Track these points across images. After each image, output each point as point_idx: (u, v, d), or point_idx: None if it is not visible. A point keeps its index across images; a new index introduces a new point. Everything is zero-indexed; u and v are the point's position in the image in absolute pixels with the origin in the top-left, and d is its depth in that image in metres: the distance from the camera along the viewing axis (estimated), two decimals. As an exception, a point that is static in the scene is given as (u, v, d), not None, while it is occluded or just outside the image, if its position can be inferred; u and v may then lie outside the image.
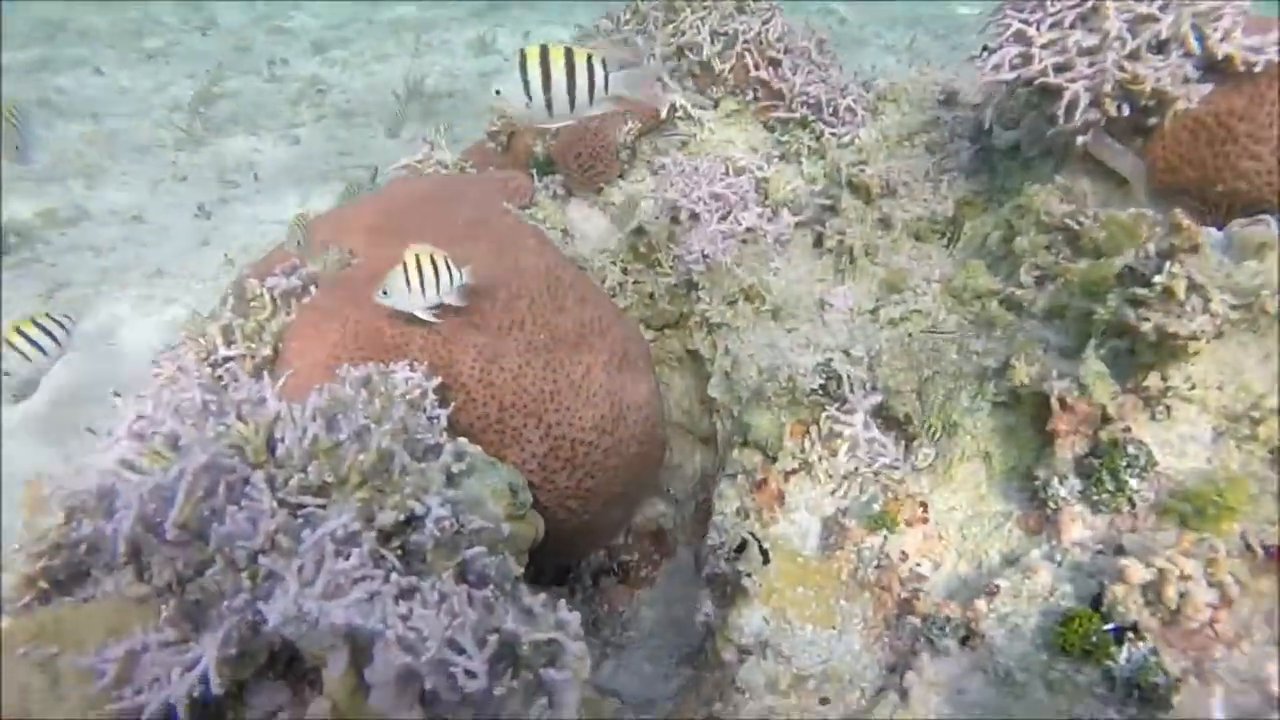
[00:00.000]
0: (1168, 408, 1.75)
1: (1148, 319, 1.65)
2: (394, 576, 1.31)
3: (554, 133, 3.11)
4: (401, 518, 1.43)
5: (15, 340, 2.16)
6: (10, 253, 5.69)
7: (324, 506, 1.43)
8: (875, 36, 10.62)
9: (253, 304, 2.19)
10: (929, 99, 3.05)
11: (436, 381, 1.90)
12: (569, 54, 1.76)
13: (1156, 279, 1.62)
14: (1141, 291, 1.65)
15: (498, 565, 1.47)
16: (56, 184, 6.72)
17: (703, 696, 1.96)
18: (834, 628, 1.93)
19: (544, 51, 1.74)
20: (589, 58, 1.77)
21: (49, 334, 2.21)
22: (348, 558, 1.30)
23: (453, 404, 1.89)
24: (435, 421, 1.79)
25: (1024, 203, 2.22)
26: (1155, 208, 2.18)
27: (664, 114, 3.13)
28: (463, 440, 1.79)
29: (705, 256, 2.55)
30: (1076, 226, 2.06)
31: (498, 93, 1.77)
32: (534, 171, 3.12)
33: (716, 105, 3.22)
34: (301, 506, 1.44)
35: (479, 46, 10.13)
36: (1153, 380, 1.75)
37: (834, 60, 3.14)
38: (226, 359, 2.07)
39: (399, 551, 1.43)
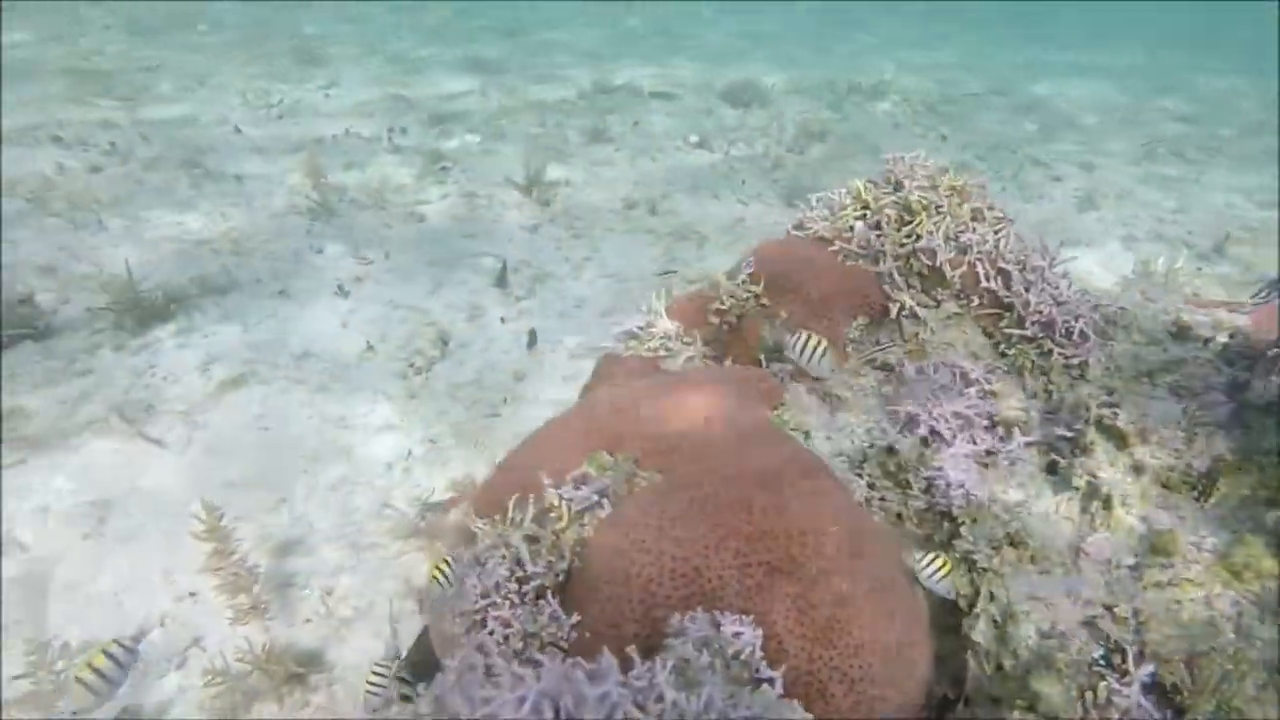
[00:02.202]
0: None
1: None
2: None
3: (785, 318, 3.20)
4: None
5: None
6: (172, 319, 5.90)
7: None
8: (978, 160, 10.79)
9: (550, 514, 2.27)
10: (1159, 329, 3.10)
11: (760, 636, 1.95)
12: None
13: None
14: None
15: None
16: (205, 247, 6.99)
17: None
18: None
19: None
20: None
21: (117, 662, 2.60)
22: None
23: (782, 666, 1.94)
24: (771, 686, 1.83)
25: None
26: None
27: (893, 313, 3.22)
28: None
29: (965, 490, 2.60)
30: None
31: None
32: (761, 356, 3.21)
33: (938, 306, 3.31)
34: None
35: (592, 134, 10.45)
36: None
37: (1064, 276, 3.21)
38: (534, 575, 2.13)
39: None
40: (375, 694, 2.78)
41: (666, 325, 3.38)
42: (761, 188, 9.32)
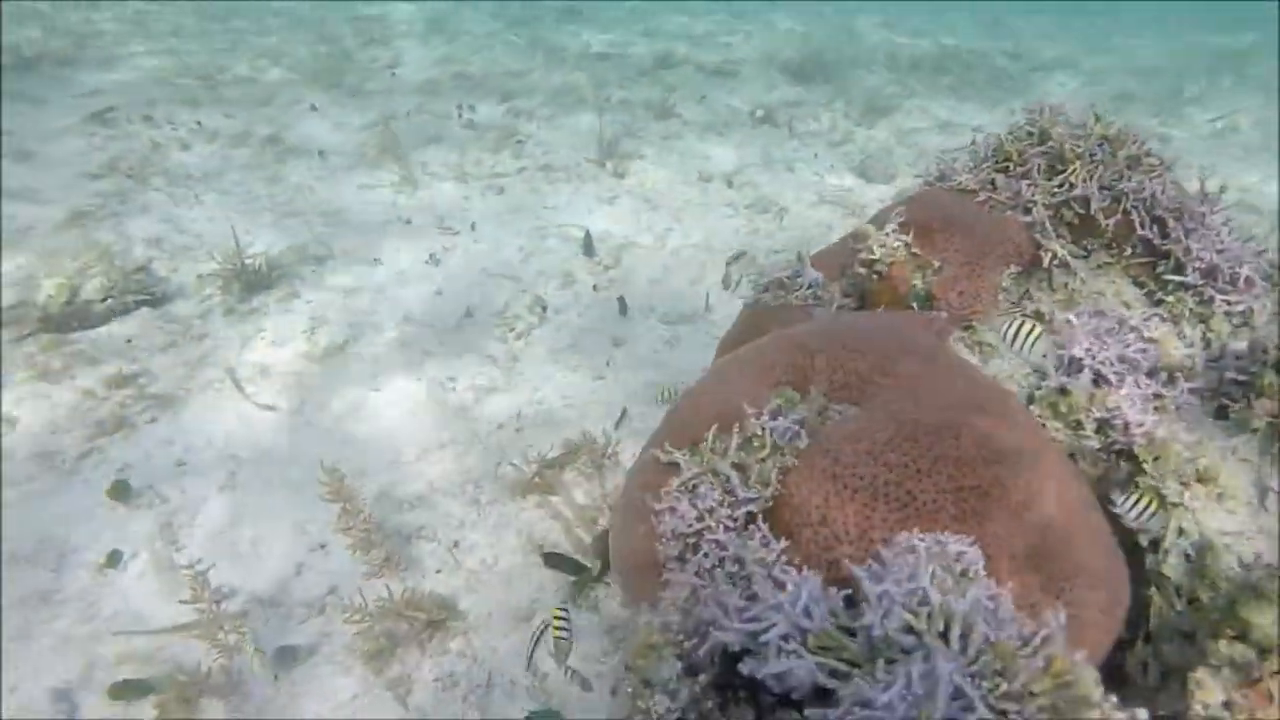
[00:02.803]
0: None
1: None
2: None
3: (937, 268, 3.21)
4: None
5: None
6: (275, 286, 6.05)
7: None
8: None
9: (754, 443, 2.31)
10: (1328, 275, 3.06)
11: (981, 555, 1.98)
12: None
13: None
14: None
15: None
16: (298, 219, 7.14)
17: None
18: None
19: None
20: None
21: None
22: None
23: (1008, 583, 1.97)
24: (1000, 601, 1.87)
25: None
26: None
27: (1046, 262, 3.21)
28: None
29: (1146, 429, 2.59)
30: None
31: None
32: (914, 305, 3.22)
33: (1088, 255, 3.29)
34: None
35: (659, 109, 10.44)
36: None
37: (1226, 222, 3.17)
38: (748, 500, 2.19)
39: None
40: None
41: (813, 274, 3.41)
42: (833, 160, 9.27)
